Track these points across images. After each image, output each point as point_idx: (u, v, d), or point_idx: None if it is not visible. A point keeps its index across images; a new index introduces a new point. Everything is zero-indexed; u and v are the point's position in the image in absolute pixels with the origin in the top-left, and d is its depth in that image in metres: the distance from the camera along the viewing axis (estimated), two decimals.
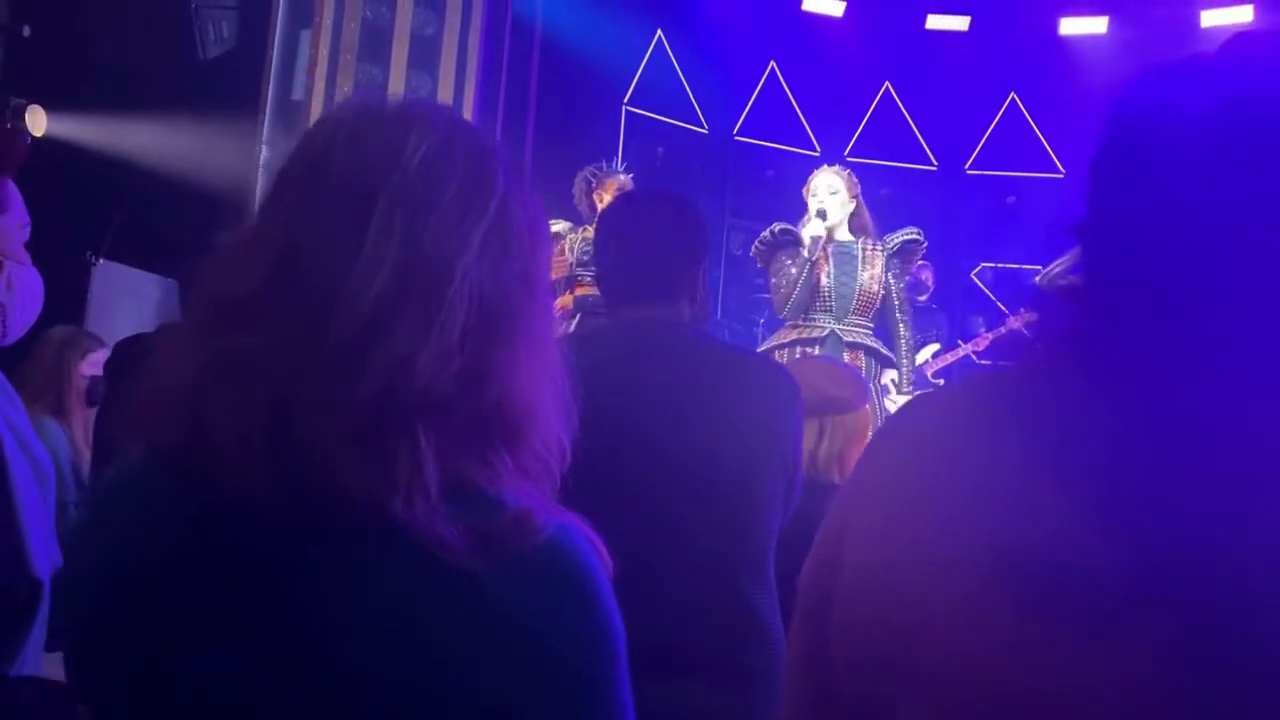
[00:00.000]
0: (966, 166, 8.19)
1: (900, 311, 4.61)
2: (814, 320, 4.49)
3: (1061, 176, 7.63)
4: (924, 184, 8.04)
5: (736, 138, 8.08)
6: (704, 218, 1.90)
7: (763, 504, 1.70)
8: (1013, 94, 8.01)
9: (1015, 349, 0.79)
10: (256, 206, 0.87)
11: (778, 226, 4.59)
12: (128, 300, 5.32)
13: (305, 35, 6.07)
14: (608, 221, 1.96)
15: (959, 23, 7.74)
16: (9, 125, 3.83)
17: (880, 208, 5.40)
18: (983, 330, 6.49)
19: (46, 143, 4.62)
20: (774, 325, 5.13)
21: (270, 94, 6.02)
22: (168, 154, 5.30)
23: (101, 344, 3.93)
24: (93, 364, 3.79)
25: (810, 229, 4.41)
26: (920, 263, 5.55)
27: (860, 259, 4.52)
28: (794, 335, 4.50)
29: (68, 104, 4.91)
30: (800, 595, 0.85)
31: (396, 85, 6.13)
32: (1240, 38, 0.75)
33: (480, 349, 0.79)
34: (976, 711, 0.67)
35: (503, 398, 0.80)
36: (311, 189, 0.82)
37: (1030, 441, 0.71)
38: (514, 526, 0.77)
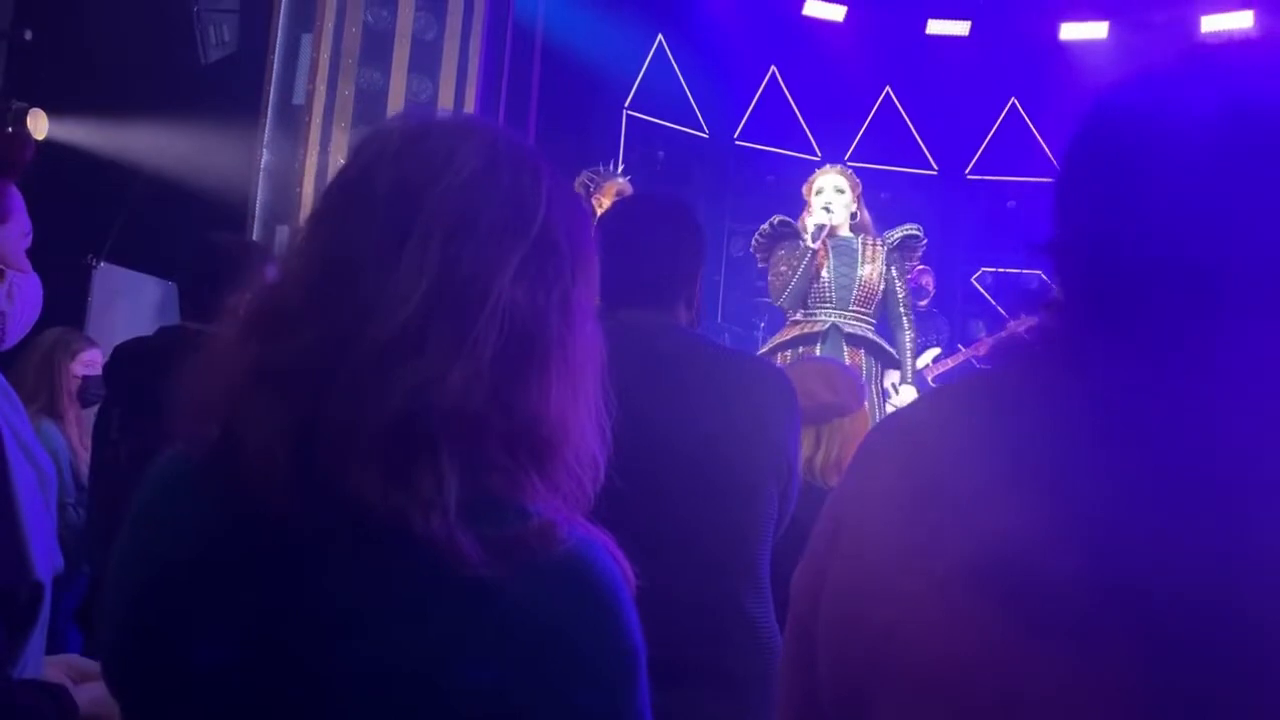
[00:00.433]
0: (967, 171, 8.20)
1: (903, 306, 4.62)
2: (814, 315, 4.50)
3: None
4: (924, 188, 8.05)
5: (737, 142, 8.08)
6: (701, 221, 1.89)
7: (760, 509, 1.70)
8: (1013, 99, 8.02)
9: (1007, 354, 0.79)
10: (303, 217, 0.88)
11: (777, 219, 4.62)
12: (128, 303, 5.32)
13: (306, 39, 6.07)
14: (604, 226, 1.96)
15: (960, 28, 7.74)
16: (13, 130, 3.83)
17: (881, 212, 5.42)
18: (983, 335, 6.50)
19: (48, 146, 4.63)
20: (774, 329, 5.13)
21: (271, 98, 6.02)
22: (168, 157, 5.30)
23: (92, 343, 3.93)
24: (85, 364, 3.79)
25: (815, 219, 4.43)
26: (920, 267, 5.57)
27: (860, 253, 4.53)
28: (795, 332, 4.50)
29: (69, 107, 4.92)
30: (792, 600, 0.85)
31: (397, 89, 6.13)
32: (1237, 43, 0.75)
33: (511, 371, 0.79)
34: (951, 714, 0.68)
35: (532, 419, 0.80)
36: (355, 203, 0.83)
37: (1013, 448, 0.71)
38: (535, 537, 0.77)
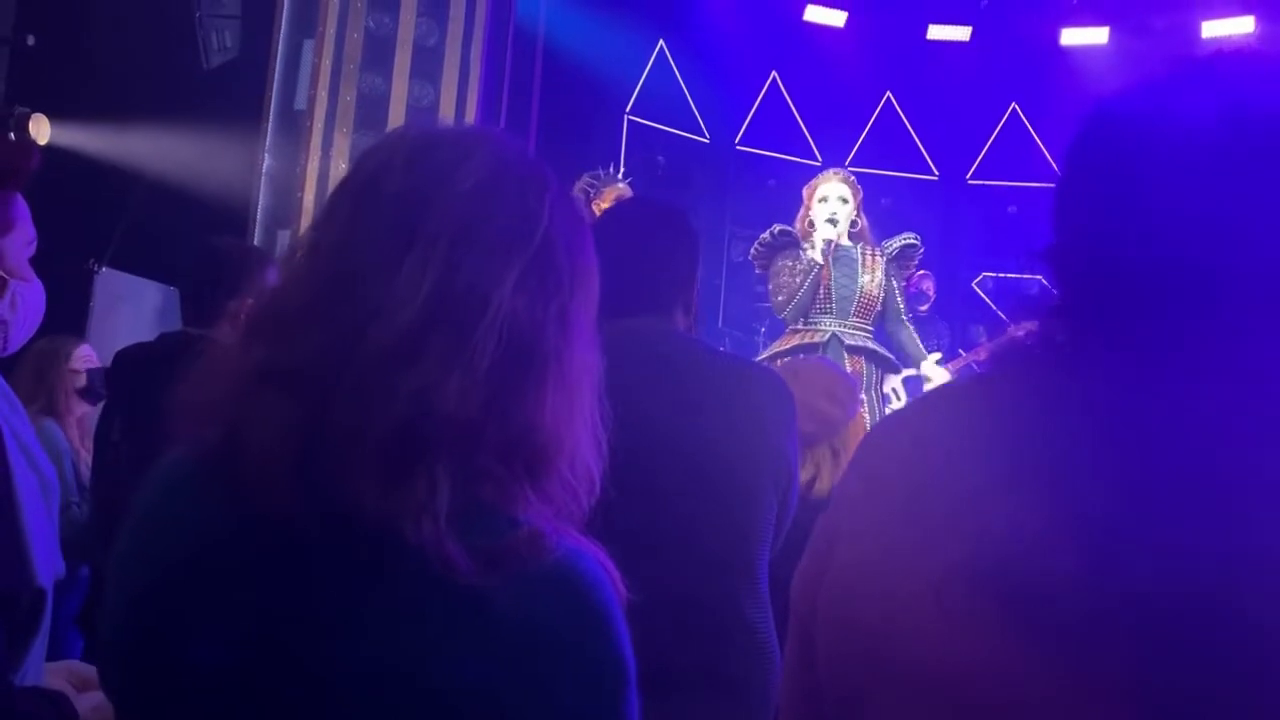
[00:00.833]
0: (968, 176, 8.20)
1: (903, 315, 4.64)
2: (815, 324, 4.50)
3: None
4: (925, 194, 8.05)
5: (738, 147, 8.09)
6: (696, 226, 1.89)
7: (759, 513, 1.70)
8: (1014, 104, 8.02)
9: (1005, 357, 0.80)
10: (309, 221, 0.88)
11: (777, 228, 4.61)
12: (130, 308, 5.33)
13: (308, 45, 6.08)
14: (599, 233, 1.96)
15: (960, 33, 7.75)
16: (18, 138, 3.83)
17: (881, 217, 5.43)
18: (984, 340, 6.49)
19: (50, 151, 4.63)
20: (775, 334, 5.13)
21: (273, 103, 6.03)
22: (170, 162, 5.31)
23: (81, 341, 3.95)
24: (81, 359, 3.80)
25: (822, 232, 4.43)
26: (921, 272, 5.57)
27: (860, 262, 4.55)
28: (796, 341, 4.51)
29: (71, 112, 4.92)
30: (792, 601, 0.85)
31: (399, 95, 6.14)
32: (1232, 51, 0.76)
33: (508, 381, 0.80)
34: (951, 715, 0.68)
35: (527, 429, 0.81)
36: (362, 210, 0.84)
37: (1011, 449, 0.71)
38: (525, 546, 0.77)
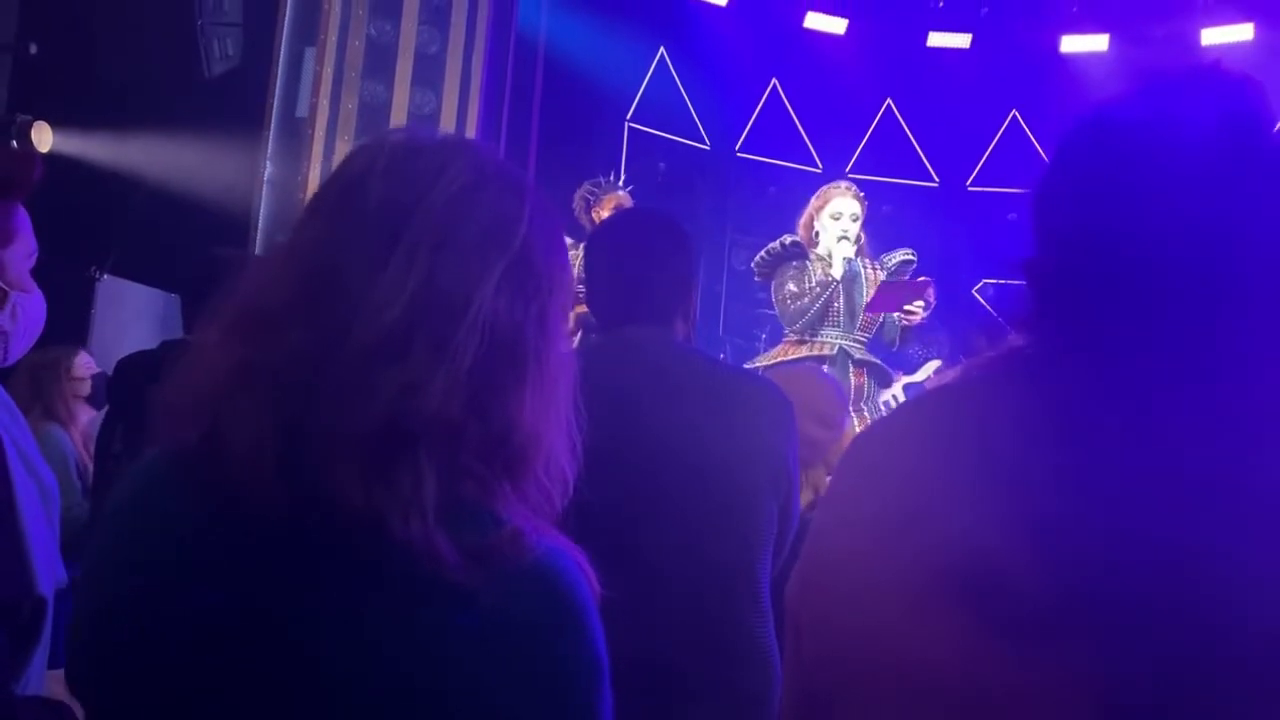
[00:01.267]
0: (968, 183, 8.21)
1: (899, 330, 4.68)
2: (822, 337, 4.53)
3: None
4: (925, 200, 8.06)
5: (738, 154, 8.10)
6: (692, 235, 1.90)
7: (759, 521, 1.70)
8: (1014, 111, 8.03)
9: (983, 364, 0.81)
10: (293, 222, 0.89)
11: (788, 239, 4.62)
12: (131, 315, 5.33)
13: (310, 53, 6.10)
14: (599, 242, 1.96)
15: (961, 40, 7.77)
16: (21, 149, 3.83)
17: (882, 224, 5.43)
18: (984, 347, 6.48)
19: (52, 158, 4.64)
20: (775, 340, 5.13)
21: (274, 111, 6.05)
22: (172, 170, 5.32)
23: (78, 349, 3.96)
24: (81, 366, 3.82)
25: (840, 251, 4.46)
26: (922, 279, 5.57)
27: (864, 277, 4.59)
28: (804, 352, 4.52)
29: (73, 120, 4.94)
30: (786, 604, 0.87)
31: (400, 103, 6.15)
32: (1220, 63, 0.77)
33: (489, 381, 0.81)
34: (922, 711, 0.69)
35: (507, 428, 0.82)
36: (345, 212, 0.85)
37: (978, 453, 0.73)
38: (506, 544, 0.79)
